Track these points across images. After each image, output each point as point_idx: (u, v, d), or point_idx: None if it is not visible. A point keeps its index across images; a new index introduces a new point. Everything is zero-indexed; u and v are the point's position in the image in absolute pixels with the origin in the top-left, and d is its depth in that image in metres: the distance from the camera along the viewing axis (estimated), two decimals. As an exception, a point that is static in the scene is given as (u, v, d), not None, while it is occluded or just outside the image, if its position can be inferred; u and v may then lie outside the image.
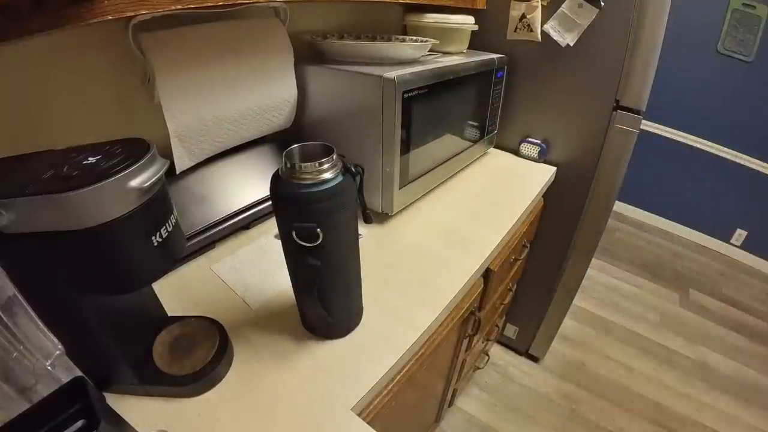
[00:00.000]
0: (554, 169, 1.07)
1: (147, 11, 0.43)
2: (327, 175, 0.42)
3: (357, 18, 0.96)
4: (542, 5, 0.93)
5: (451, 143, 0.89)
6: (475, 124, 0.98)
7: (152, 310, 0.50)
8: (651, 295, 1.93)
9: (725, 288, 2.04)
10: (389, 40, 0.87)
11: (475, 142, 1.00)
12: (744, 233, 2.26)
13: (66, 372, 0.39)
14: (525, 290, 1.32)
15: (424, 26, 0.94)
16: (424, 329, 0.55)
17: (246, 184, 0.71)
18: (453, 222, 0.80)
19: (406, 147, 0.72)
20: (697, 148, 2.25)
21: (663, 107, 2.21)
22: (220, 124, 0.64)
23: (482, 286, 0.80)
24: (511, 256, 0.94)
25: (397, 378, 0.55)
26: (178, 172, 0.62)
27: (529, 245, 1.08)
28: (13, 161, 0.36)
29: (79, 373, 0.40)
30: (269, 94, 0.70)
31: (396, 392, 0.55)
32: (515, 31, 1.00)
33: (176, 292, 0.58)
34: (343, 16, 0.92)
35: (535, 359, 1.53)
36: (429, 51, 0.83)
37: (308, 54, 0.78)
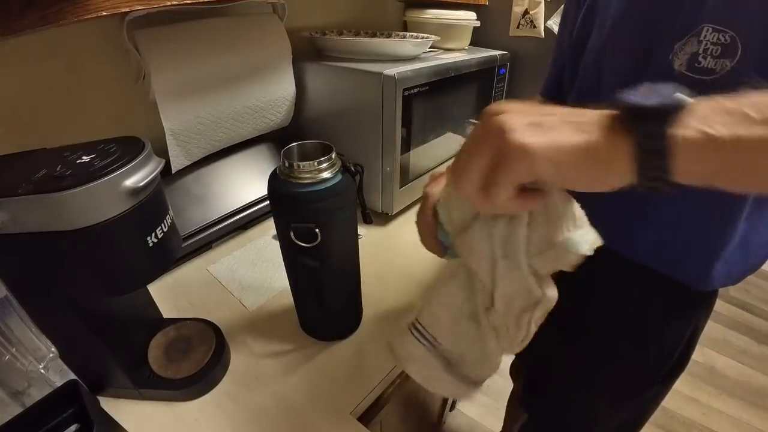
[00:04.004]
0: (557, 167, 1.06)
1: (142, 7, 0.42)
2: (326, 175, 0.41)
3: (356, 14, 0.95)
4: (545, 1, 0.92)
5: (453, 142, 0.88)
6: (477, 122, 0.96)
7: (147, 312, 0.49)
8: (656, 295, 1.91)
9: (733, 290, 2.01)
10: (389, 36, 0.86)
11: (477, 140, 0.99)
12: (750, 232, 2.23)
13: (59, 375, 0.39)
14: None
15: (425, 22, 0.93)
16: (425, 331, 0.54)
17: (243, 184, 0.71)
18: (455, 221, 0.79)
19: (406, 145, 0.71)
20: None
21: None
22: (217, 122, 0.63)
23: (484, 286, 0.79)
24: (514, 256, 0.92)
25: (398, 381, 0.54)
26: (174, 172, 0.62)
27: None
28: (5, 160, 0.36)
29: (72, 376, 0.39)
30: (267, 91, 0.70)
31: (397, 396, 0.54)
32: (518, 27, 0.98)
33: (172, 293, 0.58)
34: (342, 12, 0.91)
35: (538, 360, 1.52)
36: (430, 47, 0.82)
37: (306, 51, 0.77)
